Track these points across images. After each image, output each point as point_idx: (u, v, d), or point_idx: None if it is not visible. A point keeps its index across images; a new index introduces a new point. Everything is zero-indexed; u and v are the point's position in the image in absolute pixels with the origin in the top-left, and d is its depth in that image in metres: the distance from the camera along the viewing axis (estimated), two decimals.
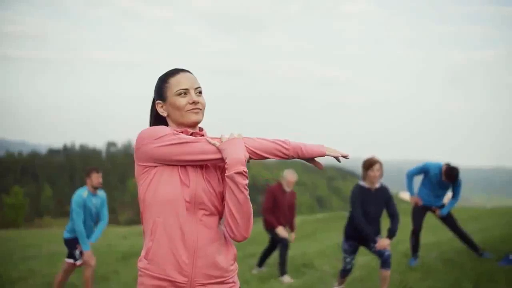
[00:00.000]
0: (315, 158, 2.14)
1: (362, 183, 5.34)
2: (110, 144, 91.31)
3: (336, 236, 12.15)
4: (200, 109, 2.10)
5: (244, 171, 1.97)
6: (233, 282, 2.12)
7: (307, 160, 2.12)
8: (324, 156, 2.14)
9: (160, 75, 2.17)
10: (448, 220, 6.83)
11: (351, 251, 5.44)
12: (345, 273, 5.62)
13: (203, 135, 2.13)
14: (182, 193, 2.00)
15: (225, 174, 1.98)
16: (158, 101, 2.14)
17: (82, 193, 5.96)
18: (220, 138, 2.04)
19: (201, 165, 2.06)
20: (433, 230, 9.22)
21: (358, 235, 5.27)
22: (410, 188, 6.88)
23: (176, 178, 2.01)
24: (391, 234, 5.24)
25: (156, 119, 2.19)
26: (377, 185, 5.32)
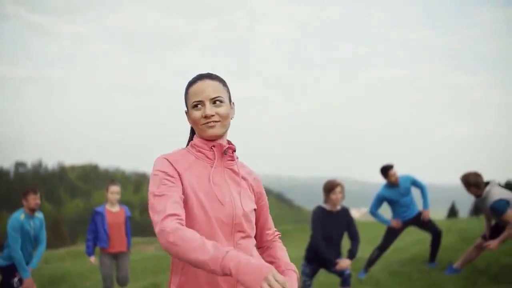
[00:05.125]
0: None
1: (323, 205, 5.21)
2: (19, 164, 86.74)
3: None
4: (217, 121, 1.83)
5: None
6: None
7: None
8: None
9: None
10: (429, 226, 6.91)
11: (312, 274, 5.37)
12: None
13: (232, 158, 1.92)
14: (219, 215, 1.77)
15: None
16: (186, 111, 1.94)
17: (18, 216, 5.49)
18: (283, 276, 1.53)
19: (237, 185, 1.87)
20: (373, 243, 9.36)
21: (319, 258, 5.18)
22: (383, 220, 6.94)
23: (211, 198, 1.78)
24: (352, 255, 5.17)
25: (191, 128, 2.01)
26: (338, 207, 5.22)
